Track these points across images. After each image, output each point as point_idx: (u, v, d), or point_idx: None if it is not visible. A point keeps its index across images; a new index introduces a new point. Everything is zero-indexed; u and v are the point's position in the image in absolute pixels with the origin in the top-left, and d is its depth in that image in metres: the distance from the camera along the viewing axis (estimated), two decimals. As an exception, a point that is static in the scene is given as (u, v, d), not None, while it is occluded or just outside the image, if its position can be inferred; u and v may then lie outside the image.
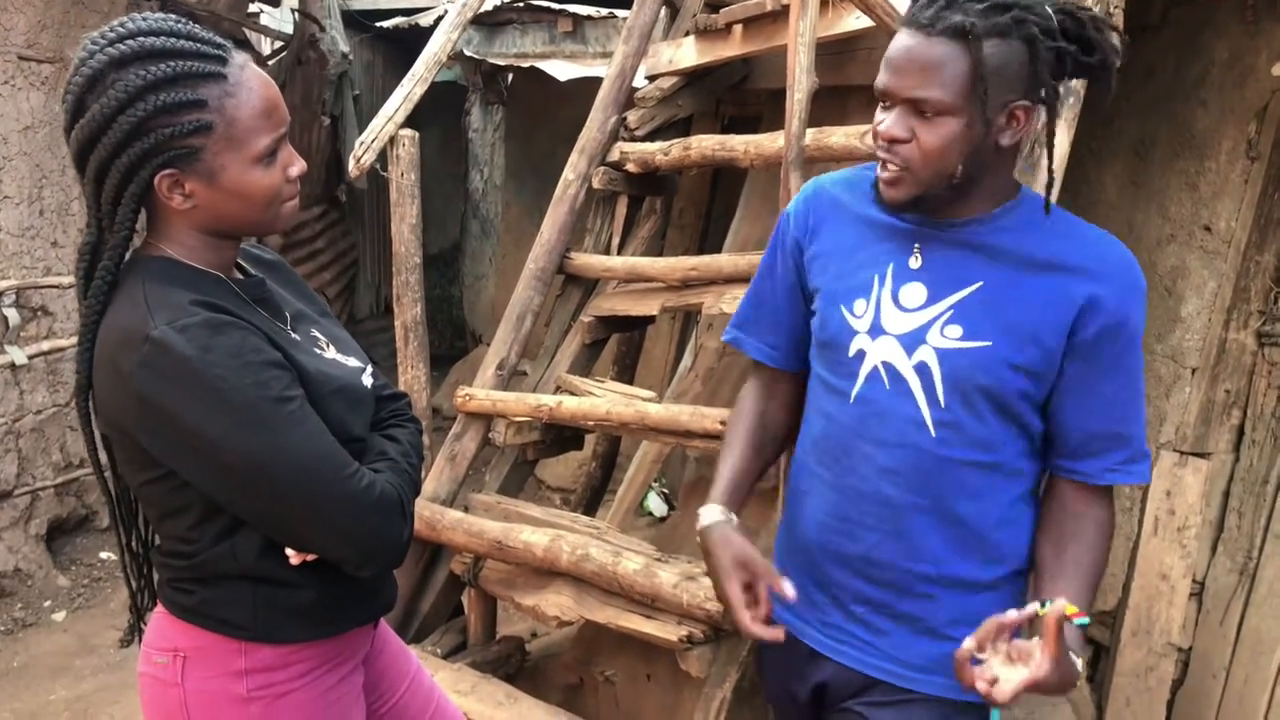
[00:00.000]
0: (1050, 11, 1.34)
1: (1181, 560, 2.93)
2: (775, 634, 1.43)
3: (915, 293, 1.43)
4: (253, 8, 6.19)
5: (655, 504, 4.99)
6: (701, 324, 3.49)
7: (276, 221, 1.35)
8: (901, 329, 1.43)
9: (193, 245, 1.33)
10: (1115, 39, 1.40)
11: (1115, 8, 2.39)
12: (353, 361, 1.47)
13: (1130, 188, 3.10)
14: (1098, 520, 1.44)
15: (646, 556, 2.37)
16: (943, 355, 1.40)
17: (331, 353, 1.45)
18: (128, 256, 1.32)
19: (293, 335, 1.39)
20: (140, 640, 1.47)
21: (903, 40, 1.35)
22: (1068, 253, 1.39)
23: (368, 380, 1.46)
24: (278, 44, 6.94)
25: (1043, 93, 1.35)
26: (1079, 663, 1.29)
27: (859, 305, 1.47)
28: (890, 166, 1.38)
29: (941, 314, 1.41)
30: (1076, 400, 1.40)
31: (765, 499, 2.49)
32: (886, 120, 1.37)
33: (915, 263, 1.44)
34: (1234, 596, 2.88)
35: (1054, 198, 1.47)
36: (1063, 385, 1.40)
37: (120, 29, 1.25)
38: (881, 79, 1.37)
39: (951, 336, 1.40)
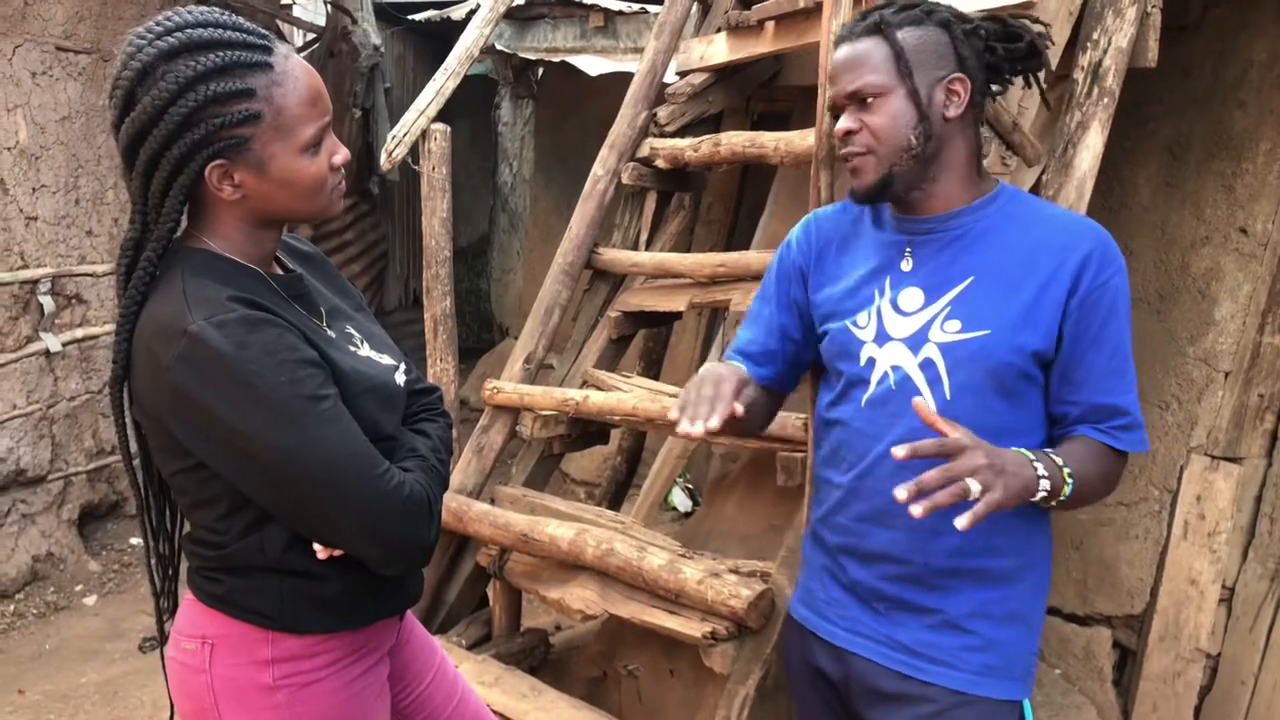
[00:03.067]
0: (955, 9, 1.52)
1: (1211, 565, 2.90)
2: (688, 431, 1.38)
3: (913, 297, 1.51)
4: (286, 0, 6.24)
5: (680, 499, 5.00)
6: (729, 320, 3.48)
7: (328, 208, 1.37)
8: (905, 332, 1.50)
9: (235, 237, 1.34)
10: (1034, 26, 1.58)
11: (1154, 7, 2.37)
12: (386, 359, 1.48)
13: (1164, 189, 3.07)
14: (1096, 445, 1.45)
15: (671, 552, 2.38)
16: (945, 349, 1.46)
17: (365, 350, 1.46)
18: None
19: (328, 332, 1.40)
20: (162, 647, 1.49)
21: (835, 54, 1.53)
22: (1049, 234, 1.46)
23: (400, 378, 1.47)
24: (310, 36, 6.98)
25: (970, 65, 1.48)
26: (1040, 473, 1.33)
27: (862, 318, 1.55)
28: (853, 159, 1.50)
29: (940, 311, 1.48)
30: (1067, 374, 1.45)
31: (790, 496, 2.49)
32: (840, 120, 1.52)
33: (907, 265, 1.52)
34: (1264, 603, 2.85)
35: (986, 161, 1.61)
36: (1056, 363, 1.45)
37: (166, 23, 1.26)
38: (828, 92, 1.55)
39: (951, 330, 1.46)
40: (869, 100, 1.46)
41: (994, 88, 1.62)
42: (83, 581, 4.27)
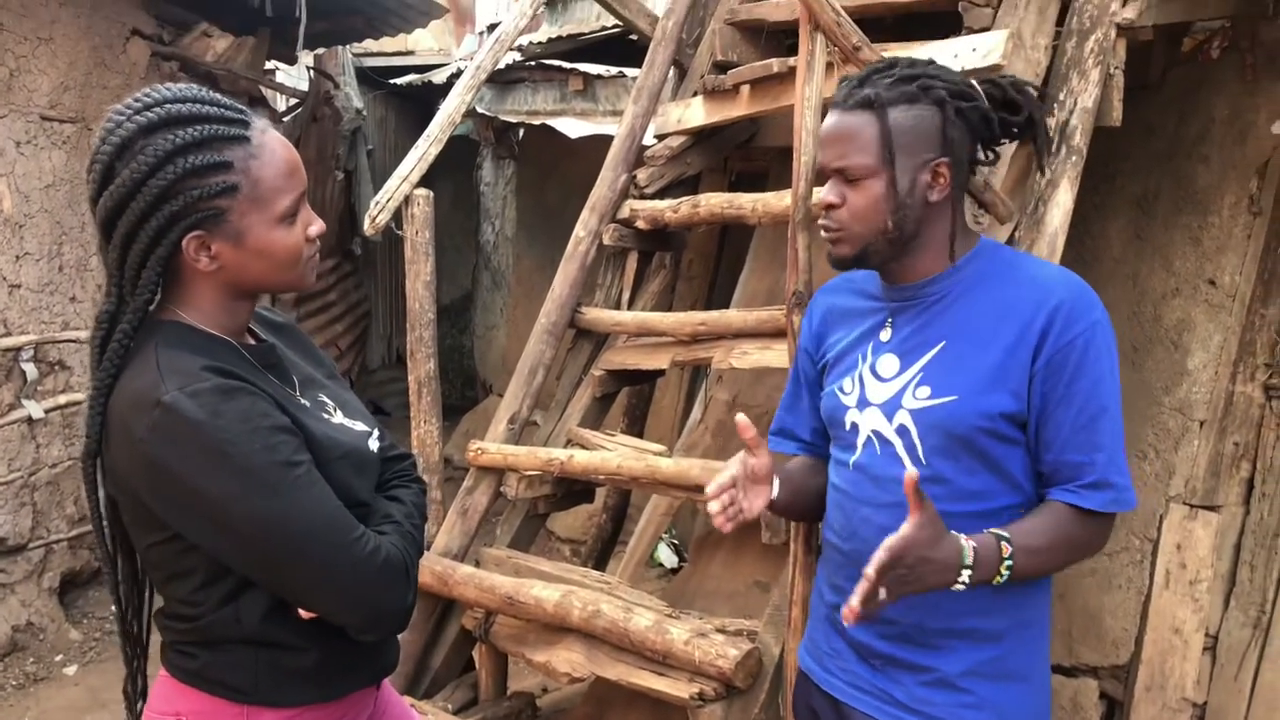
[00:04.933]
0: (958, 79, 1.53)
1: (1194, 614, 2.91)
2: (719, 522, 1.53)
3: (889, 363, 1.54)
4: (269, 65, 6.31)
5: (666, 555, 4.99)
6: (711, 377, 3.52)
7: (302, 280, 1.39)
8: (882, 398, 1.53)
9: (209, 309, 1.35)
10: (1034, 95, 1.63)
11: (1115, 69, 2.45)
12: (359, 425, 1.49)
13: (1135, 242, 3.13)
14: (1061, 512, 1.43)
15: (658, 613, 2.38)
16: (916, 415, 1.48)
17: (339, 417, 1.47)
18: None
19: (301, 401, 1.42)
20: None
21: (827, 120, 1.54)
22: (1021, 294, 1.47)
23: (374, 444, 1.48)
24: (293, 101, 7.07)
25: (957, 148, 1.49)
26: (966, 549, 1.29)
27: (846, 383, 1.59)
28: (830, 230, 1.54)
29: (913, 378, 1.50)
30: (1040, 433, 1.45)
31: (775, 553, 2.50)
32: (823, 190, 1.54)
33: (886, 335, 1.56)
34: (1248, 650, 2.86)
35: (957, 250, 1.55)
36: (1030, 424, 1.45)
37: (145, 98, 1.28)
38: (817, 157, 1.58)
39: (921, 397, 1.49)
40: (853, 178, 1.48)
41: (986, 156, 1.64)
42: (63, 651, 4.21)
